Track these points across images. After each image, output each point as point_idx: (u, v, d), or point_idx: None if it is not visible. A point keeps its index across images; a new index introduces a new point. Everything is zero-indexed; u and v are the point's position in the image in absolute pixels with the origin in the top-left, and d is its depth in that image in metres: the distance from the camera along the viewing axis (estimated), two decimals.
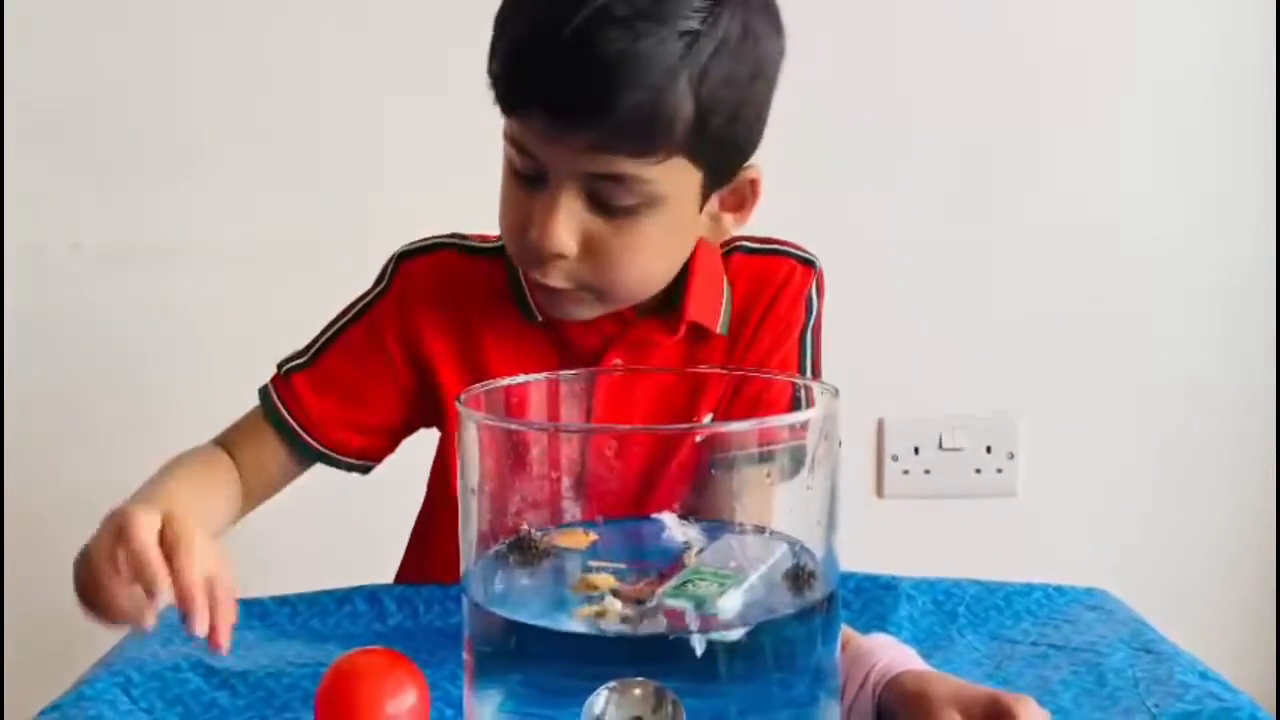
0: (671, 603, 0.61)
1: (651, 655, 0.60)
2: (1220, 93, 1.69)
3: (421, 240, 1.06)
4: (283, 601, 0.98)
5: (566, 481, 0.66)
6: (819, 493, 0.64)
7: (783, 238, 1.06)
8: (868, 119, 1.66)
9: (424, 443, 1.11)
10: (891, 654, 0.78)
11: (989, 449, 1.75)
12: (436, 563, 1.09)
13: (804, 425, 0.64)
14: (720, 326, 1.01)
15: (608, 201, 0.88)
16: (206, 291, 1.63)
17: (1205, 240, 1.72)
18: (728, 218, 0.96)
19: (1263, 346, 1.73)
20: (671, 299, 0.99)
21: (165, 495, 0.89)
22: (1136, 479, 1.77)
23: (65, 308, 1.64)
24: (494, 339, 1.01)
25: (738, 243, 1.04)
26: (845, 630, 0.77)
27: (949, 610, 0.96)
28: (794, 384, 0.80)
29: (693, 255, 0.98)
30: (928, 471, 1.76)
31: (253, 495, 1.04)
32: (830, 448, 0.63)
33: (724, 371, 1.00)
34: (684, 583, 0.62)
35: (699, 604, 0.61)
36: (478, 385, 0.68)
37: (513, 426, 0.67)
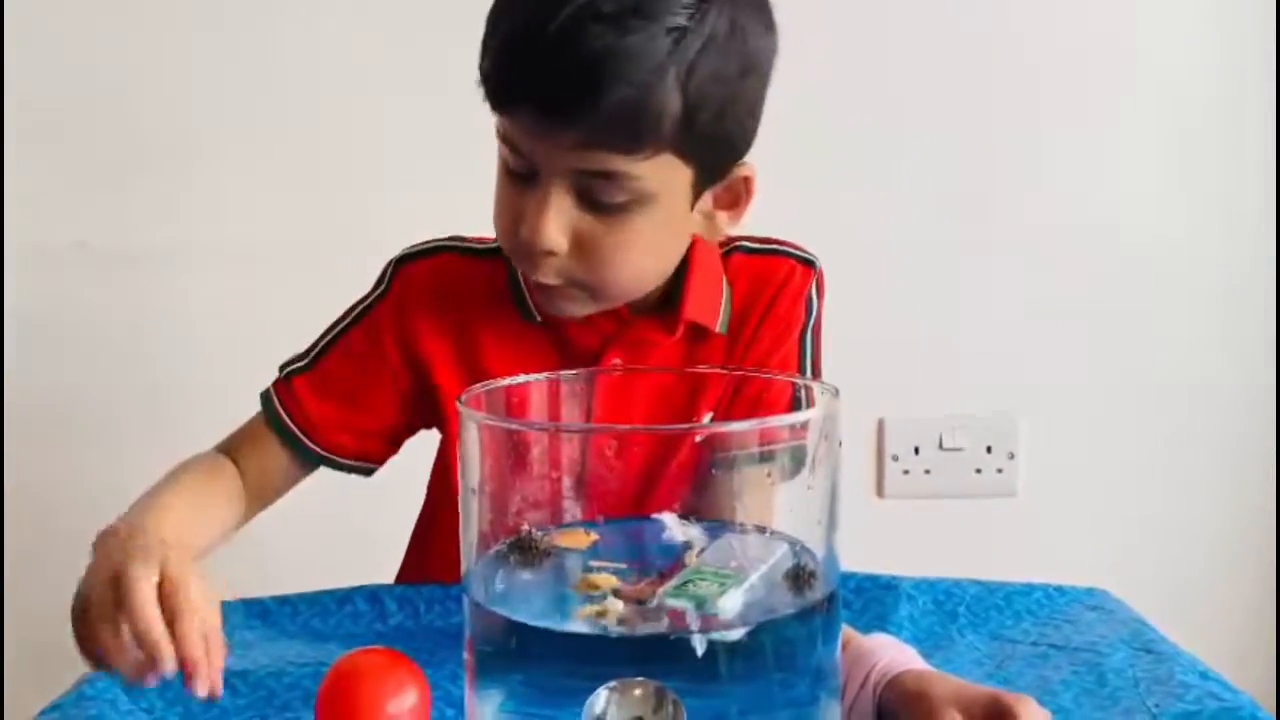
0: (672, 603, 0.61)
1: (652, 655, 0.60)
2: (1221, 92, 1.69)
3: (421, 244, 1.06)
4: (284, 601, 0.98)
5: (567, 481, 0.66)
6: (819, 493, 0.64)
7: (782, 238, 1.06)
8: (868, 118, 1.66)
9: (425, 444, 1.11)
10: (892, 654, 0.78)
11: (989, 449, 1.75)
12: (437, 563, 1.09)
13: (804, 425, 0.64)
14: (720, 326, 1.01)
15: (598, 198, 0.88)
16: (207, 291, 1.63)
17: (1206, 240, 1.72)
18: (722, 216, 0.96)
19: (1263, 346, 1.73)
20: (670, 298, 0.99)
21: (163, 510, 0.88)
22: (1137, 479, 1.77)
23: (66, 307, 1.64)
24: (493, 339, 1.01)
25: (737, 243, 1.04)
26: (846, 630, 0.77)
27: (949, 610, 0.96)
28: (794, 384, 0.79)
29: (692, 255, 0.98)
30: (928, 471, 1.75)
31: (257, 500, 1.04)
32: (830, 448, 0.63)
33: (724, 371, 1.00)
34: (685, 583, 0.62)
35: (700, 604, 0.61)
36: (478, 385, 0.68)
37: (513, 426, 0.67)
